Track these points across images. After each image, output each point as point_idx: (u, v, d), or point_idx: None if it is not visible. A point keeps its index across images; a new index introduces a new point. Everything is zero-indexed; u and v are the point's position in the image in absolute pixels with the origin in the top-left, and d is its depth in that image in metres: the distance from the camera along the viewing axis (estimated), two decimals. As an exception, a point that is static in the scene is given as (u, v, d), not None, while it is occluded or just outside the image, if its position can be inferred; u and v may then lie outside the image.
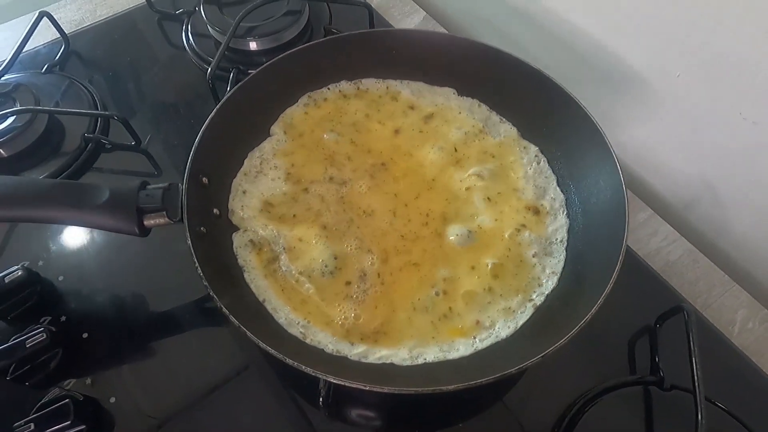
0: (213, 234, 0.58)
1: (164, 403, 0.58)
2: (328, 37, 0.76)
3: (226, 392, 0.59)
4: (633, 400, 0.58)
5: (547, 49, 0.83)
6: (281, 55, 0.68)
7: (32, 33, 0.79)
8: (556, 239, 0.62)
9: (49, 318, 0.62)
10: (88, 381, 0.58)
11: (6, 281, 0.60)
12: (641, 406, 0.57)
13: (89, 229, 0.68)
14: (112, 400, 0.57)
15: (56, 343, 0.59)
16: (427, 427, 0.59)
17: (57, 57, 0.84)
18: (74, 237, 0.68)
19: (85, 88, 0.80)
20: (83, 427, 0.54)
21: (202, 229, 0.56)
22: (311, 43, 0.71)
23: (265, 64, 0.67)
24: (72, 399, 0.54)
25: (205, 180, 0.59)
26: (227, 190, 0.64)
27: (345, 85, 0.73)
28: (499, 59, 0.68)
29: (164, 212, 0.53)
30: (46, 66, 0.82)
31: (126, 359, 0.60)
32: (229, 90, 0.65)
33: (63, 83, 0.80)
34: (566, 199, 0.65)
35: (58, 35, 0.85)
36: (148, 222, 0.54)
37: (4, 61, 0.76)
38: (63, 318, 0.62)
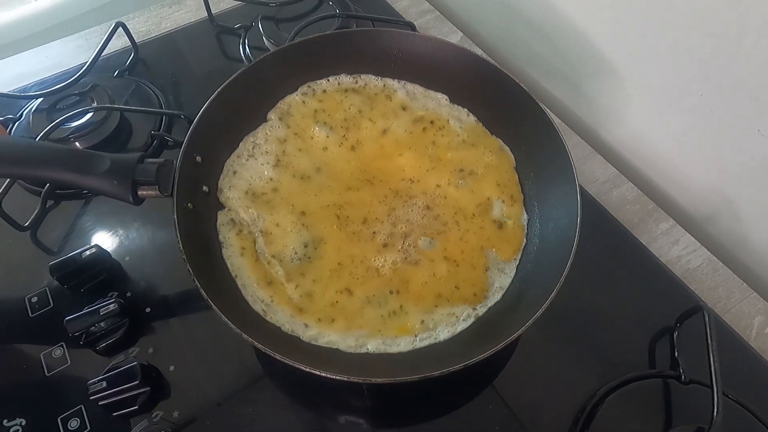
0: (199, 210, 0.62)
1: (219, 373, 0.63)
2: (333, 31, 0.79)
3: (279, 373, 0.63)
4: (652, 392, 0.61)
5: (576, 70, 0.89)
6: (286, 45, 0.71)
7: (109, 41, 0.87)
8: (511, 257, 0.65)
9: (116, 293, 0.67)
10: (151, 350, 0.64)
11: (83, 256, 0.66)
12: (660, 397, 0.61)
13: (149, 217, 0.75)
14: (172, 368, 0.63)
15: (124, 314, 0.64)
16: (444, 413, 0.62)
17: (127, 63, 0.92)
18: (139, 222, 0.75)
19: (152, 91, 0.88)
20: (148, 389, 0.59)
21: (189, 205, 0.60)
22: (317, 35, 0.73)
23: (269, 53, 0.70)
24: (139, 363, 0.60)
25: (198, 158, 0.63)
26: (219, 169, 0.67)
27: (344, 78, 0.76)
28: (492, 74, 0.70)
29: (157, 186, 0.59)
30: (117, 71, 0.90)
31: (184, 333, 0.66)
32: (231, 76, 0.67)
33: (131, 86, 0.88)
34: (528, 219, 0.67)
35: (128, 44, 0.93)
36: (142, 193, 0.59)
37: (84, 64, 0.84)
38: (129, 293, 0.68)
